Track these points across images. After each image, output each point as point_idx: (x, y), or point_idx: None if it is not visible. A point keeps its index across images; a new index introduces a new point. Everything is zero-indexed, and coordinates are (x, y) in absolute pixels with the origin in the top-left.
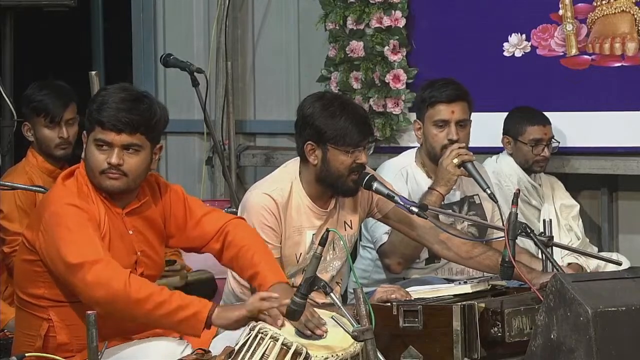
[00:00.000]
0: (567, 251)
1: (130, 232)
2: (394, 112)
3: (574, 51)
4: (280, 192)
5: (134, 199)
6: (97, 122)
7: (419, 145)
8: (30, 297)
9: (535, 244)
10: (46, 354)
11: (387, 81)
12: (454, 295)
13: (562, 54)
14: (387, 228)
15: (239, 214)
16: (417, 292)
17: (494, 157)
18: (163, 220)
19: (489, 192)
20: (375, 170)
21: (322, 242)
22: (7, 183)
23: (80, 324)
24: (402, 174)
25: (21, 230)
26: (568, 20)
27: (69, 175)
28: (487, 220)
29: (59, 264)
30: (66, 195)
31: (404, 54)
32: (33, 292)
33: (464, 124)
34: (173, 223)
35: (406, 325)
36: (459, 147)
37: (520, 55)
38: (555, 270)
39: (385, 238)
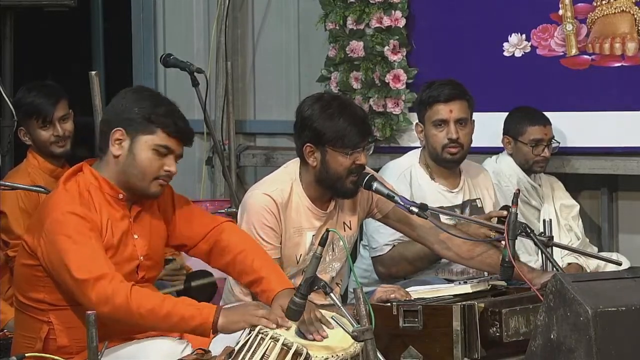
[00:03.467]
0: (567, 251)
1: (136, 236)
2: (394, 112)
3: (574, 51)
4: (280, 193)
5: (139, 202)
6: (164, 127)
7: (421, 146)
8: (30, 301)
9: (535, 244)
10: (46, 355)
11: (387, 81)
12: (454, 295)
13: (562, 54)
14: (389, 239)
15: (238, 214)
16: (417, 292)
17: (494, 157)
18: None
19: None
20: (377, 171)
21: (322, 242)
22: (7, 183)
23: (80, 326)
24: (405, 176)
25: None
26: (568, 20)
27: (70, 177)
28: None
29: (65, 275)
30: (67, 202)
31: (404, 54)
32: (33, 296)
33: (463, 123)
34: (164, 220)
35: (406, 325)
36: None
37: (520, 55)
38: (555, 270)
39: (386, 249)
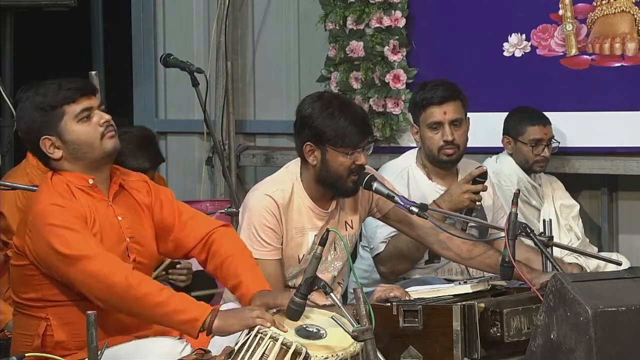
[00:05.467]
0: (567, 251)
1: (120, 218)
2: (394, 112)
3: (574, 51)
4: (281, 194)
5: (111, 181)
6: (66, 102)
7: (418, 147)
8: (26, 300)
9: (535, 244)
10: (46, 354)
11: (387, 81)
12: (454, 295)
13: (562, 54)
14: (383, 236)
15: (240, 215)
16: (417, 292)
17: (494, 157)
18: (153, 216)
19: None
20: (376, 171)
21: (322, 242)
22: (6, 183)
23: (77, 322)
24: (403, 177)
25: None
26: (568, 20)
27: (49, 179)
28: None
29: (52, 259)
30: (48, 196)
31: (404, 54)
32: (29, 296)
33: (458, 123)
34: (164, 224)
35: (406, 325)
36: (477, 193)
37: (520, 55)
38: (555, 270)
39: (381, 247)
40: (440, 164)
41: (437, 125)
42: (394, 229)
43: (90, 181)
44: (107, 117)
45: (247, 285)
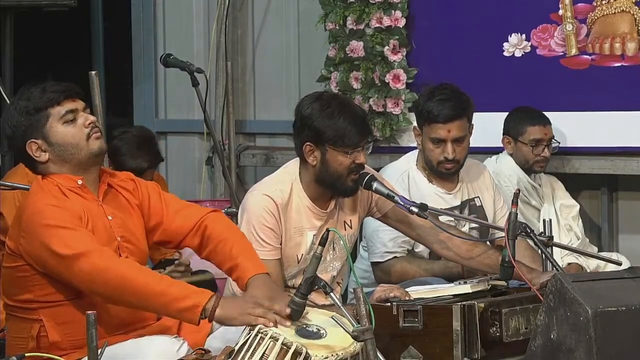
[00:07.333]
0: (567, 251)
1: (110, 217)
2: (393, 112)
3: (574, 51)
4: (280, 194)
5: (99, 181)
6: (51, 105)
7: (419, 148)
8: (19, 302)
9: (536, 243)
10: (45, 354)
11: (387, 81)
12: (453, 295)
13: (562, 54)
14: (389, 245)
15: (239, 215)
16: (417, 292)
17: (494, 157)
18: (142, 212)
19: None
20: (377, 172)
21: (322, 242)
22: (6, 183)
23: (69, 322)
24: (404, 180)
25: None
26: (568, 20)
27: (39, 182)
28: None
29: (50, 260)
30: (42, 197)
31: (404, 54)
32: (22, 298)
33: (461, 140)
34: (152, 216)
35: (406, 325)
36: None
37: (520, 55)
38: (555, 270)
39: (386, 257)
40: (438, 174)
41: (440, 142)
42: (397, 236)
43: (79, 181)
44: (93, 118)
45: (243, 268)
